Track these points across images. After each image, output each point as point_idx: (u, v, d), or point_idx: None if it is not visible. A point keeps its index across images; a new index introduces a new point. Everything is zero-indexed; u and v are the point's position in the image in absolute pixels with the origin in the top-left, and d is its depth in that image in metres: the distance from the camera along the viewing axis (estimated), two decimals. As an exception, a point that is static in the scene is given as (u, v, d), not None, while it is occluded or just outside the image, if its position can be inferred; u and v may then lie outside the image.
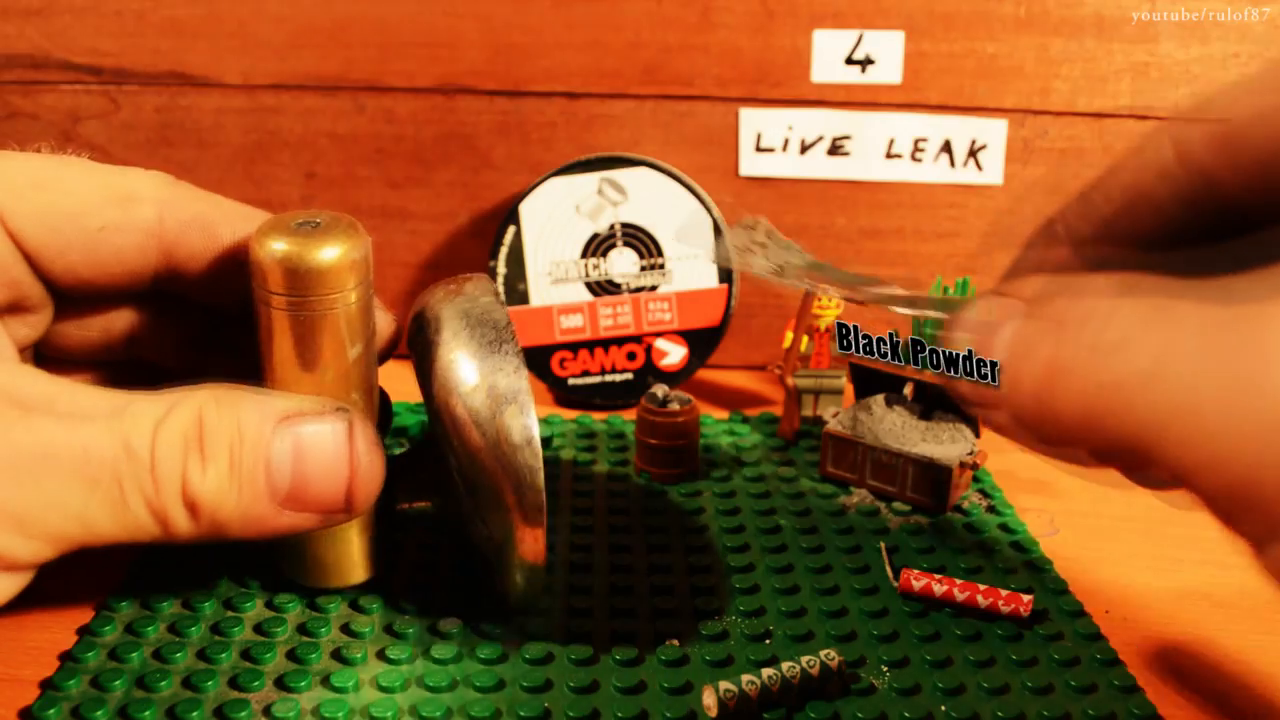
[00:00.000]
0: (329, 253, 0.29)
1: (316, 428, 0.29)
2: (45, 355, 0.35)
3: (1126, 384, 0.19)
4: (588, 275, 0.49)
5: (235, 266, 0.32)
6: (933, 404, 0.42)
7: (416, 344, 0.31)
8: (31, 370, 0.30)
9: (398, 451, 0.36)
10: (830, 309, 0.47)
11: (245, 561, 0.35)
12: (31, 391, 0.29)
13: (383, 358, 0.34)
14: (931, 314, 0.26)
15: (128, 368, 0.36)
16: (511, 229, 0.49)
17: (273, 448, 0.29)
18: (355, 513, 0.30)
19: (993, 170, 0.51)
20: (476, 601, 0.33)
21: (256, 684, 0.29)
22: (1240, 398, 0.18)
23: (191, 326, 0.36)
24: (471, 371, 0.29)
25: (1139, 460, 0.20)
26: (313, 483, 0.29)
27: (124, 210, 0.32)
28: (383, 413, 0.34)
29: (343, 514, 0.30)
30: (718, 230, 0.31)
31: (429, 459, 0.32)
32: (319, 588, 0.33)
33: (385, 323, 0.34)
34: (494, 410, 0.29)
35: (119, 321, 0.35)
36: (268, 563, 0.35)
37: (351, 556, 0.33)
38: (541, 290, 0.49)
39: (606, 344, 0.50)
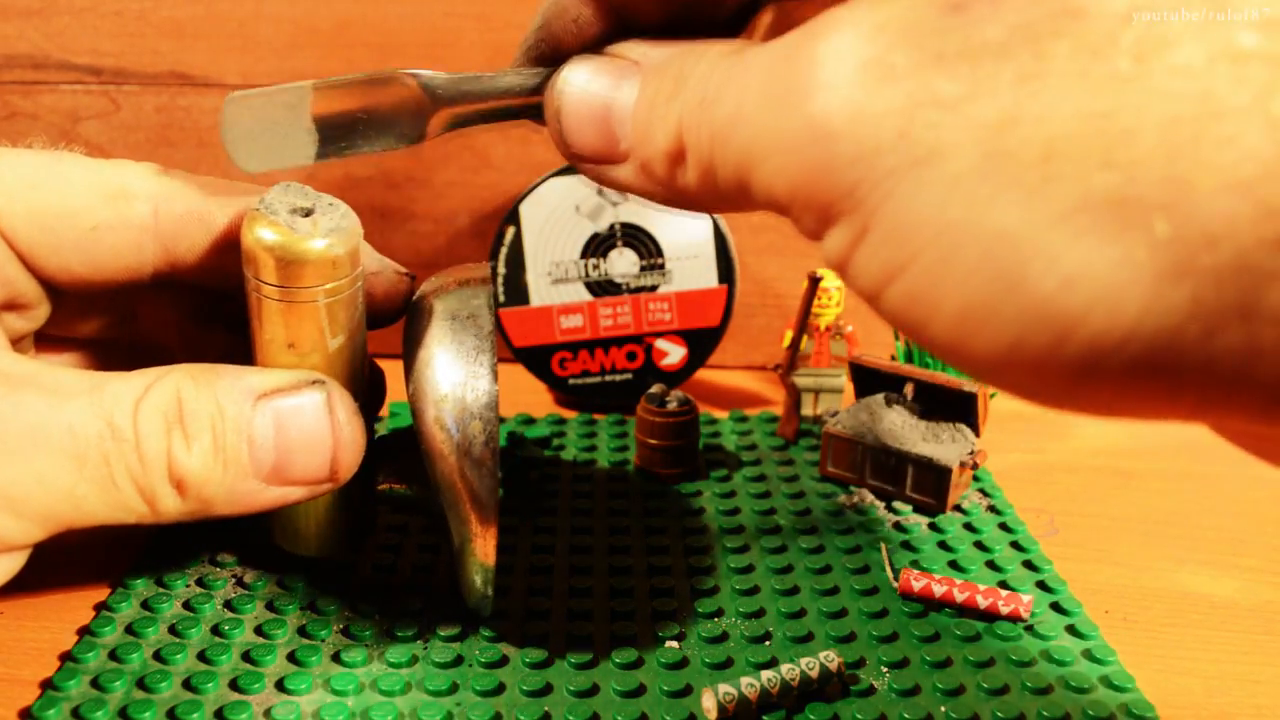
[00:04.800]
0: (318, 244, 0.29)
1: (295, 401, 0.29)
2: (45, 340, 0.35)
3: (721, 131, 0.22)
4: (588, 275, 0.49)
5: (234, 250, 0.32)
6: (933, 404, 0.42)
7: (406, 334, 0.31)
8: (10, 352, 0.30)
9: (384, 433, 0.36)
10: (830, 308, 0.47)
11: (245, 560, 0.35)
12: (13, 370, 0.29)
13: (395, 316, 0.34)
14: (514, 82, 0.26)
15: (129, 349, 0.36)
16: (511, 229, 0.49)
17: (254, 425, 0.29)
18: (339, 481, 0.30)
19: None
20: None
21: (257, 686, 0.29)
22: (786, 116, 0.20)
23: (192, 306, 0.36)
24: (444, 380, 0.29)
25: (746, 196, 0.22)
26: (296, 456, 0.29)
27: (116, 208, 0.32)
28: (375, 389, 0.34)
29: (328, 484, 0.30)
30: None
31: (413, 445, 0.32)
32: (297, 554, 0.33)
33: (397, 281, 0.34)
34: (459, 422, 0.29)
35: (120, 309, 0.35)
36: (268, 558, 0.35)
37: (331, 530, 0.33)
38: (541, 290, 0.49)
39: (606, 344, 0.50)
